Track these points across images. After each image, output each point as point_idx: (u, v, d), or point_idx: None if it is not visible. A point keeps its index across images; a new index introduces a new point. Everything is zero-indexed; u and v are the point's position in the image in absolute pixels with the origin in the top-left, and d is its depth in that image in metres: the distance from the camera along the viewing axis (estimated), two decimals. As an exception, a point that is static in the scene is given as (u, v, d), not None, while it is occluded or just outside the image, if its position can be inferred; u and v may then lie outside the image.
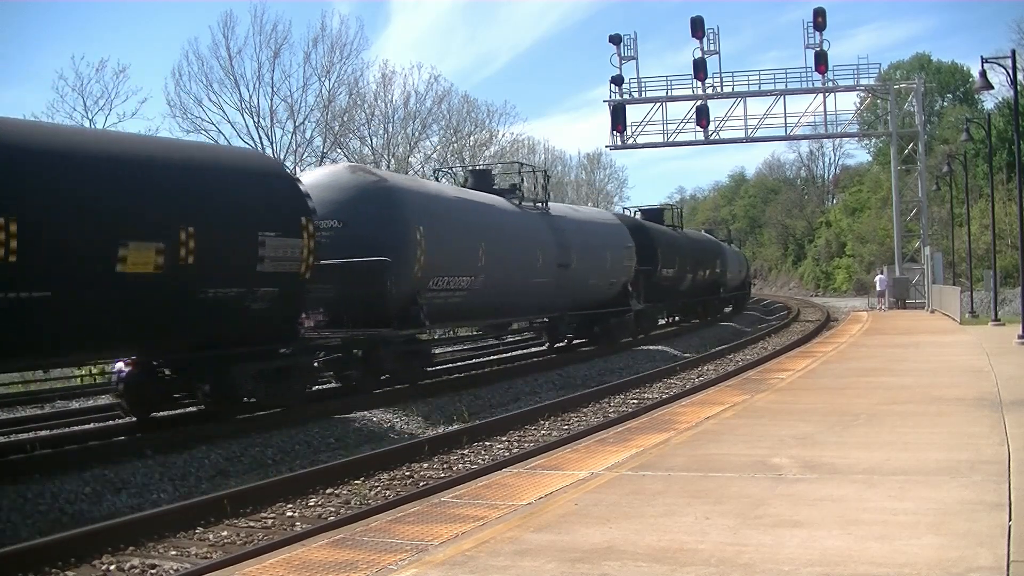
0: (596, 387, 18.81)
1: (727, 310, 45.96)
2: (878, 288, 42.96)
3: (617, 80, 39.74)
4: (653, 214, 36.34)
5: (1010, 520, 5.75)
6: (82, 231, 10.86)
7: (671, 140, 41.45)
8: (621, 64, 39.64)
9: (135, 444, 12.15)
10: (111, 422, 14.25)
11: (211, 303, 12.63)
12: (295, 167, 40.88)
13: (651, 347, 27.85)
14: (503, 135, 56.99)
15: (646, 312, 29.35)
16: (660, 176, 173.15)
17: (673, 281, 33.24)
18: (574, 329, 26.12)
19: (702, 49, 39.13)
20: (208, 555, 8.08)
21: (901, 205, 42.09)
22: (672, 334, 33.32)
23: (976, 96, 67.58)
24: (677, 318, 38.12)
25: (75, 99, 43.06)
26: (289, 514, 9.46)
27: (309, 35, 76.32)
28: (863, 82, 41.76)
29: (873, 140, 66.79)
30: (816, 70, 39.01)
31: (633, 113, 41.06)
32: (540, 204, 23.93)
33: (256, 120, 44.75)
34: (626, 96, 40.28)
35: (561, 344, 26.67)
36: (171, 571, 7.69)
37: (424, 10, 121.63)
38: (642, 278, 28.44)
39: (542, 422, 15.05)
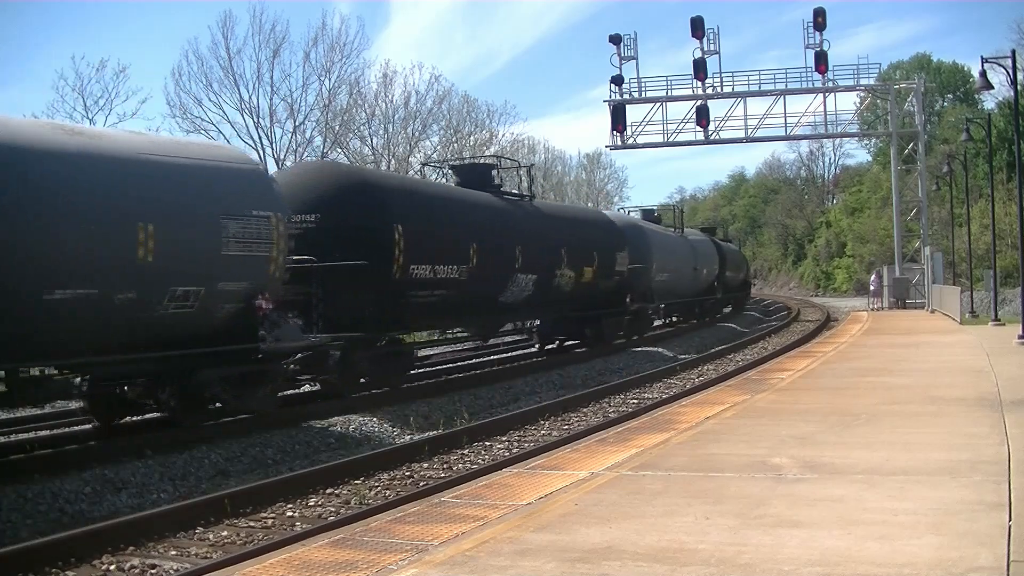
0: (596, 387, 18.81)
1: (697, 322, 37.40)
2: (872, 287, 43.02)
3: (617, 80, 39.68)
4: (476, 173, 22.18)
5: (1010, 520, 5.75)
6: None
7: (671, 140, 41.39)
8: (621, 64, 39.59)
9: (135, 444, 12.15)
10: (113, 422, 14.22)
11: None
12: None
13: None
14: (503, 135, 56.95)
15: (331, 356, 15.26)
16: (660, 176, 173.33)
17: (460, 290, 17.94)
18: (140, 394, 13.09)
19: (702, 49, 39.09)
20: (208, 555, 8.08)
21: (901, 205, 42.06)
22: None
23: (976, 96, 67.66)
24: (565, 341, 26.36)
25: (75, 99, 42.99)
26: (289, 514, 9.47)
27: (309, 35, 76.44)
28: (863, 82, 41.71)
29: (873, 140, 66.79)
30: (816, 70, 38.96)
31: (633, 113, 41.04)
32: None
33: (256, 120, 44.76)
34: (626, 96, 40.23)
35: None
36: (171, 571, 7.69)
37: (424, 10, 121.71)
38: (322, 288, 14.69)
39: (542, 422, 15.05)
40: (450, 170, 23.89)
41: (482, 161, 26.92)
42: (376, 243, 15.70)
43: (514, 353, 26.54)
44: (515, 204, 22.25)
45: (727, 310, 44.97)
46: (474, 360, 24.72)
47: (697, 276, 36.33)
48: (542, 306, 23.09)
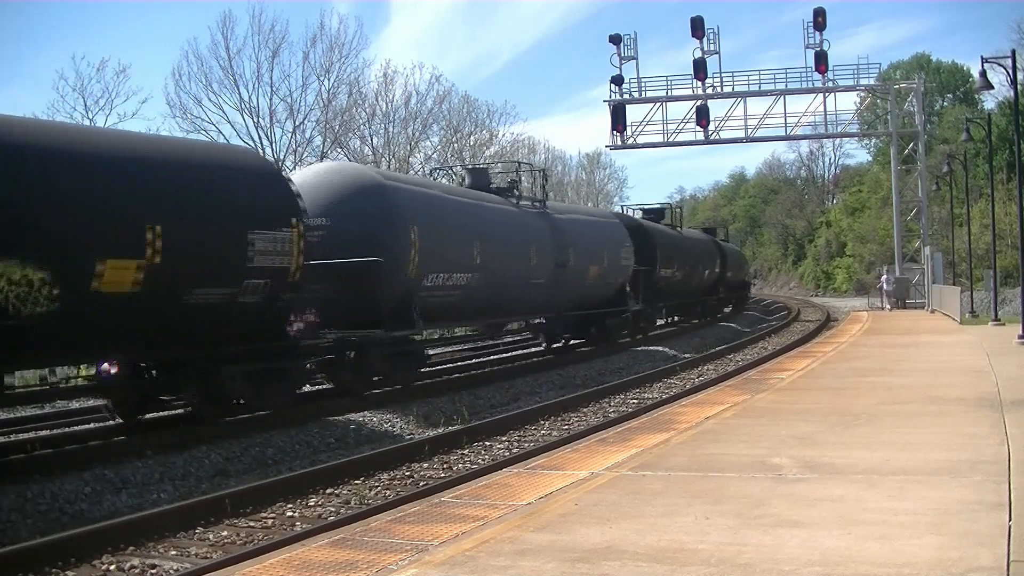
0: (596, 387, 18.79)
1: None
2: (885, 288, 41.78)
3: (617, 80, 39.72)
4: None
5: (1010, 520, 5.75)
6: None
7: (671, 140, 41.44)
8: (621, 64, 39.63)
9: (135, 444, 12.15)
10: (111, 422, 14.22)
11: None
12: (295, 167, 40.66)
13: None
14: (503, 135, 56.85)
15: None
16: (660, 176, 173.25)
17: None
18: None
19: (702, 49, 39.13)
20: (208, 555, 8.08)
21: (901, 205, 42.08)
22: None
23: (977, 96, 67.68)
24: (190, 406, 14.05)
25: (75, 99, 43.07)
26: (289, 514, 9.46)
27: (308, 35, 76.41)
28: (863, 82, 41.77)
29: (873, 140, 66.76)
30: (816, 70, 39.01)
31: (633, 113, 41.11)
32: None
33: (256, 120, 44.73)
34: (626, 96, 40.25)
35: None
36: (171, 571, 7.69)
37: (424, 9, 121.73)
38: None
39: (542, 422, 15.04)
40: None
41: None
42: None
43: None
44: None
45: (704, 320, 37.46)
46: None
47: (574, 279, 22.80)
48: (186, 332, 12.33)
